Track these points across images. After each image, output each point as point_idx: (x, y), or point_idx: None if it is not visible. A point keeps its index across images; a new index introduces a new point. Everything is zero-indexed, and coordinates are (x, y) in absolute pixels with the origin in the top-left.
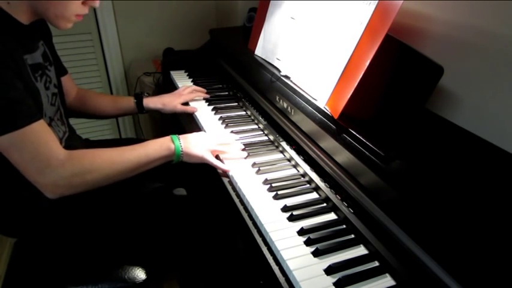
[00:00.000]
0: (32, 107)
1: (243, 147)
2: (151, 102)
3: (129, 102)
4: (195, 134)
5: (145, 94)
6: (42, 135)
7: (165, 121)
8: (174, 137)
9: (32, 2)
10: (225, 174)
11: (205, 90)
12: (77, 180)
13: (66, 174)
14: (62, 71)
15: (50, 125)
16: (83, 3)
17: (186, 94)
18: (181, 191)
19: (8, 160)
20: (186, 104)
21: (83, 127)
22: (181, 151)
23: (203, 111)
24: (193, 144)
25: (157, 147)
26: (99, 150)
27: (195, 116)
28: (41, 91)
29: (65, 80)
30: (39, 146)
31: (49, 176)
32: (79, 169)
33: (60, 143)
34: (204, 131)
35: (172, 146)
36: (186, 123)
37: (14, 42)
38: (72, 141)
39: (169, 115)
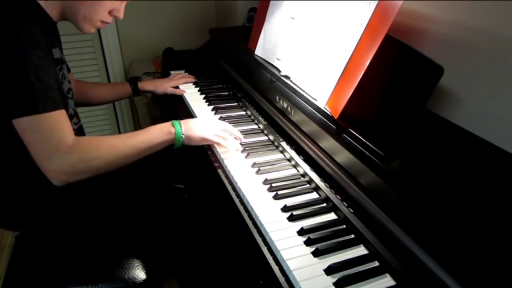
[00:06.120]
0: (59, 96)
1: (241, 141)
2: (145, 84)
3: (125, 86)
4: (196, 119)
5: (140, 78)
6: (60, 122)
7: (165, 120)
8: (175, 122)
9: (66, 2)
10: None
11: (193, 77)
12: (82, 166)
13: (73, 160)
14: (67, 69)
15: (74, 116)
16: (109, 13)
17: (177, 79)
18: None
19: (9, 157)
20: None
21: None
22: (182, 134)
23: (203, 111)
24: (194, 128)
25: (158, 131)
26: (103, 138)
27: (195, 115)
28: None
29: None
30: (54, 132)
31: (56, 161)
32: (85, 155)
33: (75, 133)
34: None
35: (173, 130)
36: None
37: (46, 36)
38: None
39: (169, 114)
